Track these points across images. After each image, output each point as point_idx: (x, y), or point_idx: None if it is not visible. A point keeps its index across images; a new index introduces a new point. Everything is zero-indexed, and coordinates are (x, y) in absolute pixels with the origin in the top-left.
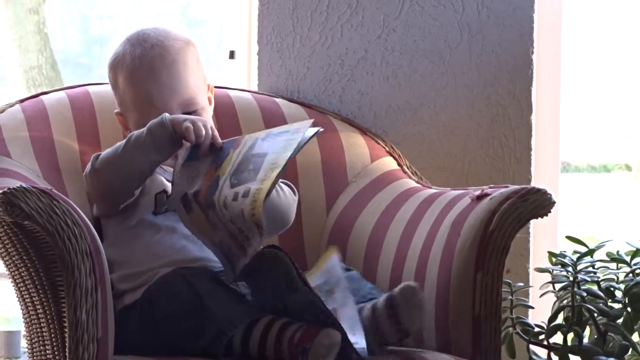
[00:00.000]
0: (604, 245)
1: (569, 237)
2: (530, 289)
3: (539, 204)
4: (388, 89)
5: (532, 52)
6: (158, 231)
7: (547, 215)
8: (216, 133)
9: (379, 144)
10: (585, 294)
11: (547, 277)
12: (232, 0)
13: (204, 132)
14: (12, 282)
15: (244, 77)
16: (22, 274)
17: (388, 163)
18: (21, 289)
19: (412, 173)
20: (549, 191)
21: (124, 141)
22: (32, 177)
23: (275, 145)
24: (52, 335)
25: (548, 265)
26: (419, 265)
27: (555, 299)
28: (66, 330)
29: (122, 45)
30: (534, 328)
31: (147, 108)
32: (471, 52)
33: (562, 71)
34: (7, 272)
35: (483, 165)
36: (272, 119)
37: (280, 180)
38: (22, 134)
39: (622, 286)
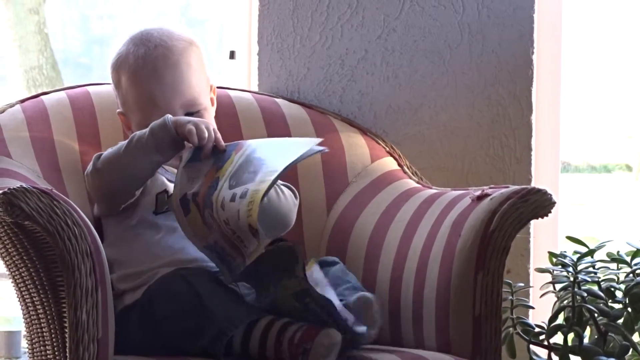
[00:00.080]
0: (604, 245)
1: (569, 238)
2: (531, 289)
3: (540, 204)
4: (388, 89)
5: (533, 52)
6: (158, 231)
7: (547, 215)
8: (219, 135)
9: (379, 144)
10: (585, 294)
11: (548, 277)
12: (233, 0)
13: (206, 135)
14: (12, 282)
15: (244, 77)
16: (23, 274)
17: (388, 163)
18: (21, 289)
19: (413, 173)
20: (549, 191)
21: (126, 142)
22: (32, 177)
23: (278, 152)
24: (53, 335)
25: (548, 265)
26: (420, 266)
27: (555, 299)
28: (66, 330)
29: (125, 45)
30: (534, 328)
31: (150, 108)
32: (471, 52)
33: (562, 71)
34: (8, 272)
35: (483, 165)
36: (273, 119)
37: (282, 182)
38: (22, 134)
39: (622, 286)
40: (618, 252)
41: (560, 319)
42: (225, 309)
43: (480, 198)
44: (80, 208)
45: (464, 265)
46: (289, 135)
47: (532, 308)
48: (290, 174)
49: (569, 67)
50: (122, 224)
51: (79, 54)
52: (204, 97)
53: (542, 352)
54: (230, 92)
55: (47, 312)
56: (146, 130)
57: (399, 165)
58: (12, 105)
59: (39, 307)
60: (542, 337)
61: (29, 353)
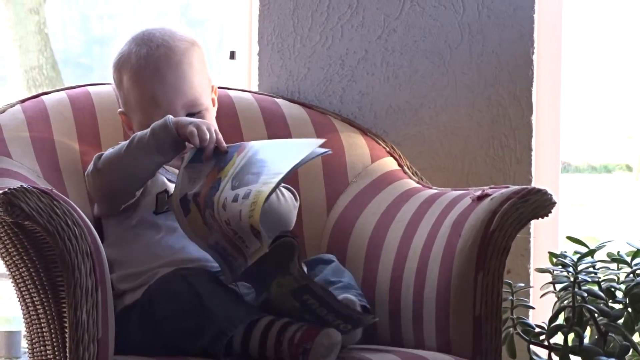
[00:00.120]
0: (604, 245)
1: (569, 238)
2: (531, 290)
3: (540, 204)
4: (388, 89)
5: (533, 53)
6: (159, 231)
7: (547, 215)
8: (220, 137)
9: (379, 144)
10: (586, 295)
11: (548, 277)
12: (233, 0)
13: (208, 136)
14: (12, 282)
15: (245, 77)
16: (23, 274)
17: (388, 163)
18: (21, 289)
19: (413, 173)
20: (549, 191)
21: (127, 142)
22: (32, 177)
23: (282, 154)
24: (53, 335)
25: (549, 265)
26: (420, 266)
27: (555, 299)
28: (67, 330)
29: (127, 45)
30: (534, 328)
31: (152, 108)
32: (472, 52)
33: (562, 71)
34: (8, 272)
35: (483, 165)
36: (273, 120)
37: (283, 185)
38: (22, 134)
39: (622, 287)
40: (618, 252)
41: (560, 319)
42: (225, 309)
43: (480, 198)
44: (80, 208)
45: (464, 265)
46: (289, 136)
47: (533, 308)
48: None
49: (569, 67)
50: (123, 224)
51: (79, 54)
52: (206, 97)
53: (543, 353)
54: (231, 92)
55: (47, 312)
56: (147, 130)
57: (399, 165)
58: (12, 105)
59: (39, 307)
60: (543, 337)
61: (29, 353)
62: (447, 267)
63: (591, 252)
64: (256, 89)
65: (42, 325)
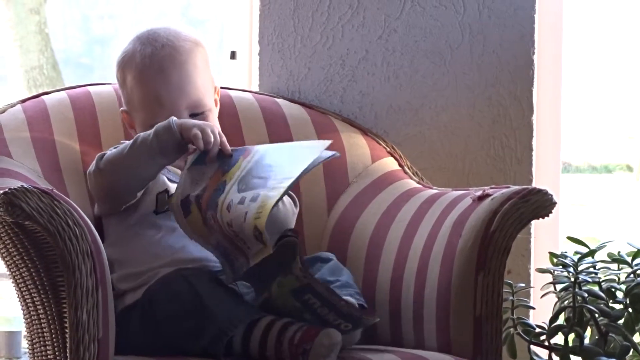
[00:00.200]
0: (605, 246)
1: (570, 238)
2: (532, 290)
3: (540, 204)
4: (389, 89)
5: (533, 53)
6: (159, 230)
7: (548, 215)
8: (224, 139)
9: (380, 144)
10: (586, 295)
11: (548, 277)
12: (233, 0)
13: (212, 139)
14: (12, 282)
15: (245, 77)
16: (23, 274)
17: (389, 163)
18: (22, 289)
19: (413, 173)
20: (550, 192)
21: (130, 142)
22: (33, 177)
23: (289, 158)
24: (53, 335)
25: (549, 265)
26: (420, 266)
27: (556, 299)
28: (67, 330)
29: (131, 44)
30: (535, 328)
31: (155, 108)
32: (472, 52)
33: (563, 71)
34: (8, 272)
35: (484, 165)
36: (273, 120)
37: None
38: (23, 134)
39: (623, 287)
40: (619, 252)
41: (560, 320)
42: (225, 309)
43: (481, 198)
44: (81, 208)
45: (465, 265)
46: (290, 136)
47: (533, 308)
48: None
49: (569, 67)
50: (123, 223)
51: (79, 54)
52: (209, 98)
53: (543, 353)
54: (231, 92)
55: (48, 312)
56: (150, 131)
57: (400, 165)
58: (12, 105)
59: (39, 307)
60: (543, 337)
61: (30, 353)
62: (447, 267)
63: (592, 253)
64: (257, 89)
65: (43, 325)
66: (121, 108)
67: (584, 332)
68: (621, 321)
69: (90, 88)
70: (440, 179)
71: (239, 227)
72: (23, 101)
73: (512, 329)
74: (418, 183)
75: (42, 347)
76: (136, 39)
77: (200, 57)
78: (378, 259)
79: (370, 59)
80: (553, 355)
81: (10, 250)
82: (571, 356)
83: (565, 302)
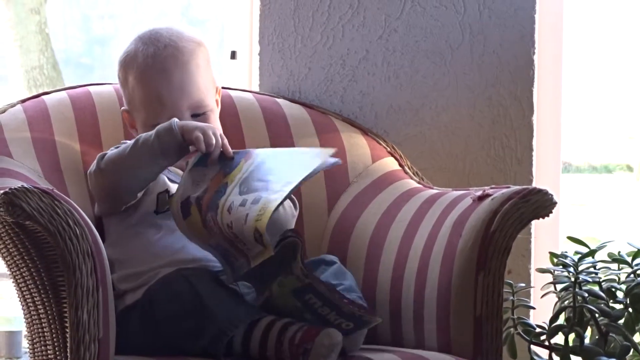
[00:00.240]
0: (605, 245)
1: (570, 238)
2: (532, 290)
3: (541, 204)
4: (389, 89)
5: (534, 53)
6: (159, 230)
7: (548, 215)
8: (226, 141)
9: (380, 144)
10: (586, 295)
11: (549, 277)
12: (234, 0)
13: (214, 142)
14: (13, 282)
15: (246, 77)
16: (24, 274)
17: (389, 163)
18: (22, 289)
19: (414, 173)
20: (550, 192)
21: (131, 143)
22: (33, 177)
23: (292, 164)
24: (54, 335)
25: (549, 265)
26: (421, 266)
27: (556, 299)
28: (67, 330)
29: (134, 43)
30: (535, 328)
31: (157, 108)
32: (472, 52)
33: (563, 71)
34: (9, 272)
35: (484, 165)
36: (274, 120)
37: None
38: (23, 134)
39: (623, 287)
40: (619, 252)
41: (561, 320)
42: (225, 309)
43: (481, 198)
44: (81, 208)
45: (465, 265)
46: (290, 136)
47: (533, 308)
48: None
49: (570, 67)
50: (123, 223)
51: (80, 54)
52: (210, 98)
53: (543, 353)
54: (232, 92)
55: (48, 312)
56: (152, 132)
57: (400, 165)
58: (13, 105)
59: (40, 307)
60: (543, 337)
61: (30, 353)
62: (447, 267)
63: (592, 253)
64: (257, 89)
65: (43, 325)
66: (122, 108)
67: (584, 332)
68: (621, 321)
69: (90, 88)
70: (440, 179)
71: (240, 229)
72: (23, 101)
73: (512, 329)
74: (418, 183)
75: (42, 347)
76: (138, 38)
77: (203, 58)
78: (378, 258)
79: (370, 59)
80: (553, 355)
81: (10, 250)
82: (571, 356)
83: (566, 302)
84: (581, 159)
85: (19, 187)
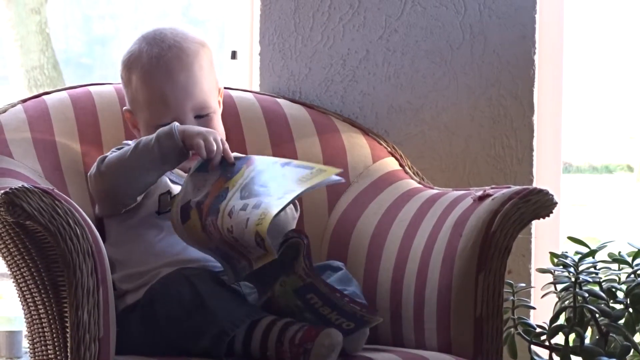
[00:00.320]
0: (605, 246)
1: (570, 238)
2: (532, 290)
3: (541, 204)
4: (390, 89)
5: (534, 53)
6: (160, 231)
7: (548, 215)
8: (227, 147)
9: (380, 144)
10: (587, 295)
11: (549, 277)
12: (234, 0)
13: (215, 148)
14: (13, 282)
15: (246, 77)
16: (24, 273)
17: (390, 163)
18: (23, 288)
19: (414, 173)
20: (550, 192)
21: (132, 147)
22: (33, 177)
23: (295, 175)
24: (54, 335)
25: (550, 266)
26: (421, 266)
27: (556, 299)
28: (68, 330)
29: (137, 44)
30: (535, 329)
31: (160, 108)
32: (473, 52)
33: (563, 71)
34: (9, 272)
35: (485, 165)
36: (274, 119)
37: None
38: (24, 134)
39: (623, 287)
40: (619, 252)
41: (561, 320)
42: (226, 309)
43: (481, 198)
44: (81, 208)
45: (466, 265)
46: (290, 136)
47: (534, 308)
48: None
49: (570, 67)
50: (125, 224)
51: (80, 54)
52: (213, 100)
53: (544, 353)
54: (232, 92)
55: (49, 311)
56: (153, 137)
57: (401, 165)
58: (13, 105)
59: (40, 307)
60: (544, 337)
61: (30, 353)
62: (448, 267)
63: (592, 253)
64: (257, 89)
65: (44, 325)
66: (124, 107)
67: (585, 332)
68: (622, 321)
69: (91, 88)
70: (440, 179)
71: (240, 233)
72: (24, 101)
73: (512, 329)
74: (419, 183)
75: (43, 347)
76: (142, 38)
77: (206, 59)
78: (379, 259)
79: (371, 59)
80: (554, 355)
81: (11, 249)
82: (572, 356)
83: (566, 302)
84: (582, 159)
85: (20, 187)
